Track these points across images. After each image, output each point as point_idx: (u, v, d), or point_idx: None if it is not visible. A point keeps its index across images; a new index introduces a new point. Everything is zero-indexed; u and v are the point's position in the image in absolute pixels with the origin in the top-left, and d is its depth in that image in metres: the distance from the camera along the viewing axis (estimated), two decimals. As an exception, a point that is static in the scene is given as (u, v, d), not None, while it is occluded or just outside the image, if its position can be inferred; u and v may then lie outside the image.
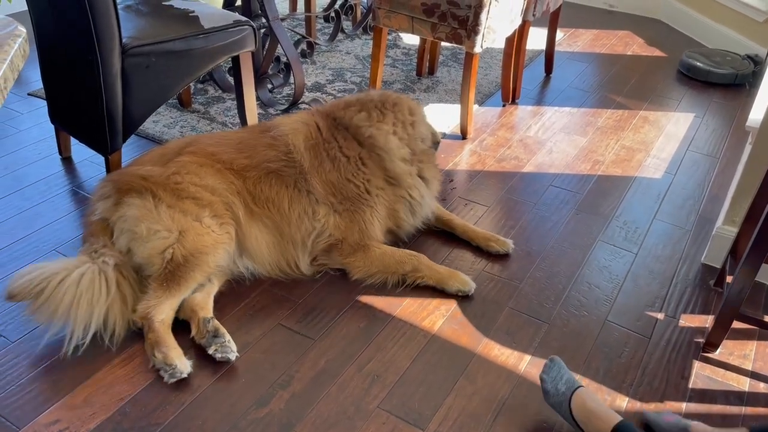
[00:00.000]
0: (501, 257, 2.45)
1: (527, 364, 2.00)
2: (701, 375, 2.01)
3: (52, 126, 2.86)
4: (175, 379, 1.85)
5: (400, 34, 4.39)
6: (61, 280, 1.90)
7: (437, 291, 2.26)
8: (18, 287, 1.89)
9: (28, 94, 3.40)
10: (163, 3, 2.77)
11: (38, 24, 2.58)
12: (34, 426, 1.73)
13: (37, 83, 3.39)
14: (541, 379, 1.79)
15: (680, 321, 2.21)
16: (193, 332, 1.99)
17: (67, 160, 2.90)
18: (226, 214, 2.14)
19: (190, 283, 2.02)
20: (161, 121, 3.21)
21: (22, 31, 0.95)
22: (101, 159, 2.74)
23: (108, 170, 2.56)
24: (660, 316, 2.23)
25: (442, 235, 2.56)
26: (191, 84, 3.34)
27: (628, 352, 2.07)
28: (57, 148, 2.91)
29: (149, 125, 3.16)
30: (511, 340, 2.09)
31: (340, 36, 4.30)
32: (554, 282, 2.34)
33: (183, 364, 1.87)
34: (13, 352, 1.94)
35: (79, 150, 2.91)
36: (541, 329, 2.13)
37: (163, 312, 1.95)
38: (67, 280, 1.90)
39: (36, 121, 3.16)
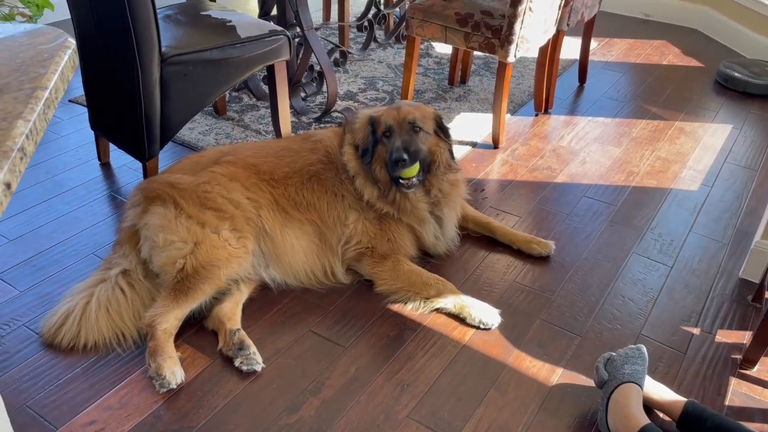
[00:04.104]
0: (534, 266, 2.43)
1: (559, 377, 1.98)
2: (738, 392, 1.97)
3: (92, 132, 2.93)
4: (165, 389, 1.86)
5: (432, 43, 4.40)
6: (81, 315, 2.01)
7: (468, 301, 2.25)
8: (50, 334, 2.01)
9: (69, 101, 3.49)
10: (201, 13, 2.83)
11: (80, 33, 2.65)
12: (71, 426, 1.77)
13: (77, 90, 3.48)
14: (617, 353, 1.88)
15: (717, 336, 2.17)
16: (221, 344, 2.02)
17: (105, 166, 2.97)
18: (246, 229, 2.16)
19: (198, 294, 2.02)
20: (197, 129, 3.27)
21: (72, 42, 0.98)
22: (139, 165, 2.80)
23: (145, 176, 2.62)
24: (696, 331, 2.19)
25: (479, 240, 2.56)
26: (226, 92, 3.39)
27: (662, 367, 2.04)
28: (96, 153, 2.98)
29: (185, 132, 3.21)
30: (542, 352, 2.07)
31: (372, 45, 4.33)
32: (587, 294, 2.32)
33: (172, 375, 1.87)
34: (51, 353, 1.98)
35: (118, 156, 2.98)
36: (574, 342, 2.11)
37: (167, 321, 1.97)
38: (84, 316, 2.01)
39: (76, 127, 3.24)
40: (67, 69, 0.93)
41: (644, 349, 1.88)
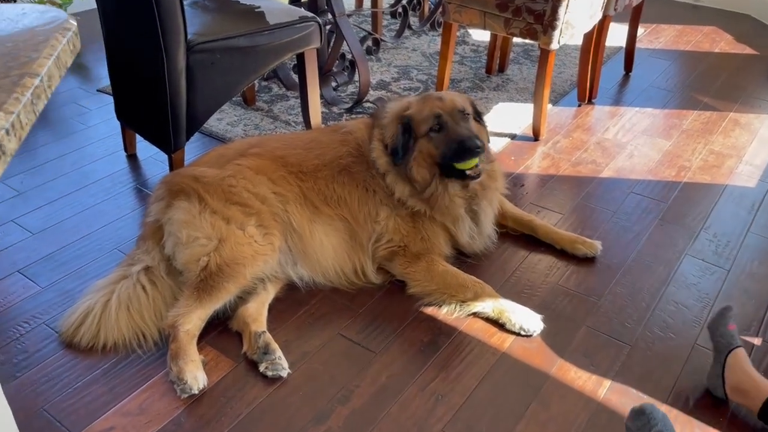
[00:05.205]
0: (579, 268, 2.27)
1: (607, 390, 1.83)
2: (807, 411, 1.79)
3: (119, 123, 2.86)
4: (186, 395, 1.76)
5: (469, 30, 4.23)
6: (101, 314, 1.93)
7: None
8: (69, 334, 1.93)
9: (98, 91, 3.43)
10: (229, -2, 2.72)
11: (106, 21, 2.57)
12: (88, 432, 1.69)
13: (106, 80, 3.41)
14: (627, 427, 1.60)
15: (780, 348, 1.99)
16: (245, 347, 1.92)
17: (132, 158, 2.90)
18: (273, 225, 2.05)
19: (222, 294, 1.92)
20: (225, 119, 3.18)
21: (73, 24, 0.87)
22: (165, 157, 2.71)
23: (171, 168, 2.53)
24: (757, 341, 2.01)
25: (519, 239, 2.40)
26: (255, 81, 3.30)
27: (721, 381, 1.87)
28: (122, 145, 2.91)
29: (213, 123, 3.12)
30: (589, 362, 1.92)
31: (406, 32, 4.18)
32: (637, 299, 2.15)
33: (194, 380, 1.77)
34: (71, 354, 1.90)
35: (144, 147, 2.90)
36: (623, 351, 1.95)
37: (190, 322, 1.87)
38: (104, 315, 1.93)
39: (103, 118, 3.17)
40: (65, 54, 0.81)
41: (648, 407, 1.57)
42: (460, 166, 2.10)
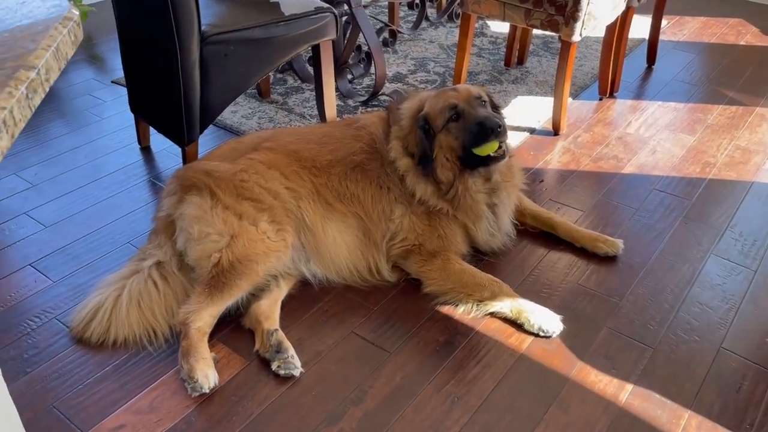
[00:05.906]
0: (600, 267, 2.21)
1: (629, 395, 1.77)
2: (838, 419, 1.72)
3: (133, 115, 2.83)
4: (197, 393, 1.73)
5: (487, 21, 4.16)
6: (111, 309, 1.91)
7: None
8: (80, 329, 1.91)
9: (112, 82, 3.41)
10: (244, -11, 2.67)
11: (120, 13, 2.54)
12: (97, 430, 1.66)
13: (121, 71, 3.38)
14: None
15: (810, 352, 1.92)
16: (257, 345, 1.88)
17: (145, 150, 2.87)
18: (285, 221, 2.01)
19: (234, 291, 1.89)
20: (239, 112, 3.14)
21: (75, 14, 0.83)
22: (179, 149, 2.68)
23: (184, 162, 2.50)
24: (785, 345, 1.94)
25: (537, 237, 2.35)
26: (270, 74, 3.25)
27: (747, 385, 1.81)
28: (136, 137, 2.88)
29: (227, 115, 3.09)
30: (610, 365, 1.86)
31: (423, 24, 4.11)
32: (659, 300, 2.08)
33: (205, 378, 1.73)
34: (82, 350, 1.88)
35: (158, 140, 2.87)
36: (645, 354, 1.89)
37: (201, 319, 1.84)
38: (115, 310, 1.91)
39: (118, 110, 3.15)
40: (66, 45, 0.77)
41: None
42: (482, 151, 2.02)
